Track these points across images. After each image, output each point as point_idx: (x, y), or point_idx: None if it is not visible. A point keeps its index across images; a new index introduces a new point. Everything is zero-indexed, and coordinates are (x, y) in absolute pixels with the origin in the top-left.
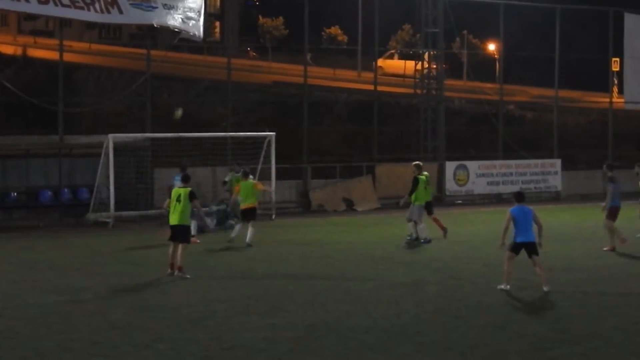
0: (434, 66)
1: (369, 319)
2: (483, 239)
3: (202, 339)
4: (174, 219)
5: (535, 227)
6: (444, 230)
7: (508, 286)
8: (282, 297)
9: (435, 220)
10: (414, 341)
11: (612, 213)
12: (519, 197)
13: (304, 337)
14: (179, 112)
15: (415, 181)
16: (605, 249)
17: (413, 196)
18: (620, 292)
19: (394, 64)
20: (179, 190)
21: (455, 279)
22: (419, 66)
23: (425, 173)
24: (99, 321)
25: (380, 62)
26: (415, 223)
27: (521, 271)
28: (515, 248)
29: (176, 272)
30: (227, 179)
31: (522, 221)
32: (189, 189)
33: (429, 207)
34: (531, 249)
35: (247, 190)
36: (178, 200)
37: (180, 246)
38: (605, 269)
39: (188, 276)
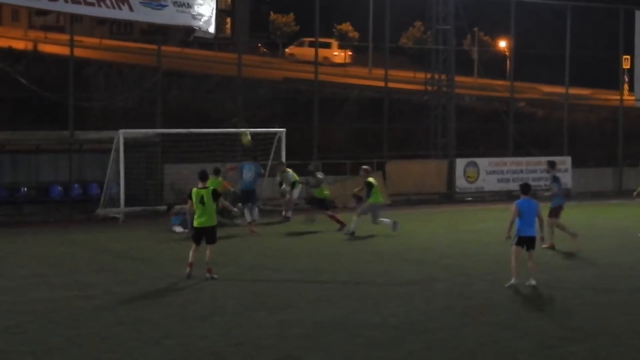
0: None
1: (378, 316)
2: (493, 236)
3: (211, 335)
4: (199, 221)
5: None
6: (342, 225)
7: (516, 281)
8: (290, 294)
9: (332, 216)
10: (422, 338)
11: (556, 211)
12: (525, 189)
13: (313, 334)
14: (247, 137)
15: (369, 185)
16: (543, 246)
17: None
18: (629, 290)
19: (303, 52)
20: (200, 191)
21: (465, 276)
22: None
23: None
24: (107, 317)
25: (291, 49)
26: (358, 214)
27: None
28: (520, 242)
29: (206, 275)
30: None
31: (528, 214)
32: (210, 188)
33: (324, 204)
34: (531, 243)
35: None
36: (201, 202)
37: (208, 247)
38: (615, 266)
39: (216, 277)
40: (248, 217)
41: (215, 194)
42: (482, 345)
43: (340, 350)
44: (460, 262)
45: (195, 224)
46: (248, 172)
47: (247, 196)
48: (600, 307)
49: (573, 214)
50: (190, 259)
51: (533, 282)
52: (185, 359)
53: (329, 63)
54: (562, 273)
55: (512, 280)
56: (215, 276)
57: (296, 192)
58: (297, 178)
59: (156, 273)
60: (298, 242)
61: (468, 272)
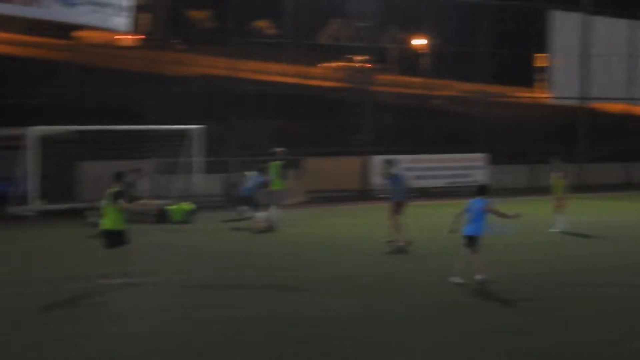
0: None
1: (309, 312)
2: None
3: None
4: (105, 224)
5: (493, 220)
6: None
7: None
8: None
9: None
10: (343, 336)
11: (396, 208)
12: (481, 190)
13: (225, 331)
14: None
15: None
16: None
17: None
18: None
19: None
20: (110, 192)
21: (386, 273)
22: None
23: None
24: (36, 316)
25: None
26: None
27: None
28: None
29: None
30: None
31: (470, 213)
32: (116, 189)
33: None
34: (469, 241)
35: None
36: (109, 204)
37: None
38: (528, 264)
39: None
40: (259, 216)
41: (117, 195)
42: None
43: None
44: (381, 258)
45: (102, 225)
46: (251, 181)
47: (247, 200)
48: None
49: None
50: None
51: (479, 277)
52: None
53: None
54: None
55: (457, 279)
56: (133, 280)
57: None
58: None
59: (67, 273)
60: (217, 240)
61: (390, 268)
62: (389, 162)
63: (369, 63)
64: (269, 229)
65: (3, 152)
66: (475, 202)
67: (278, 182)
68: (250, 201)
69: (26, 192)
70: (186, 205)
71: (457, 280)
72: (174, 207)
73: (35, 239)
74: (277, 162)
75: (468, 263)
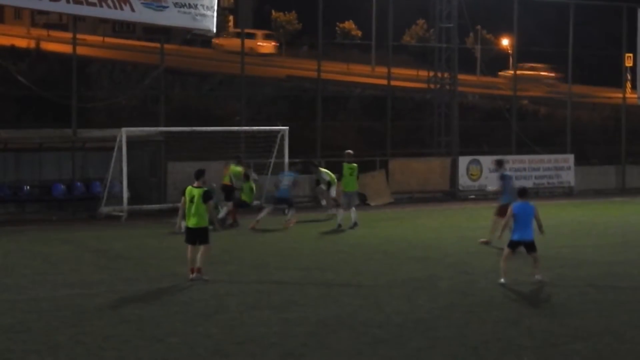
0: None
1: (382, 314)
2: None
3: (215, 333)
4: (192, 221)
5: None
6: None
7: (505, 280)
8: (294, 292)
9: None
10: (427, 336)
11: (502, 210)
12: (522, 193)
13: (316, 332)
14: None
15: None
16: (481, 240)
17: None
18: (633, 288)
19: (230, 42)
20: (192, 190)
21: (468, 274)
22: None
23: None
24: (110, 315)
25: (219, 40)
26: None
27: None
28: (512, 245)
29: (195, 275)
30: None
31: (522, 218)
32: (203, 189)
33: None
34: (527, 246)
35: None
36: (192, 201)
37: (202, 248)
38: (618, 265)
39: (206, 278)
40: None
41: (206, 196)
42: (486, 342)
43: (344, 348)
44: (464, 260)
45: (187, 224)
46: (286, 180)
47: (282, 201)
48: (603, 305)
49: (575, 212)
50: (189, 262)
51: (538, 277)
52: (189, 356)
53: (254, 53)
54: (565, 271)
55: (502, 279)
56: (206, 278)
57: (333, 190)
58: (333, 177)
59: (158, 272)
60: (301, 240)
61: (472, 270)
62: (499, 163)
63: (455, 64)
64: (338, 229)
65: (96, 153)
66: (523, 206)
67: (350, 184)
68: (286, 201)
69: (117, 192)
70: None
71: (537, 277)
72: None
73: (125, 239)
74: (349, 164)
75: (534, 263)
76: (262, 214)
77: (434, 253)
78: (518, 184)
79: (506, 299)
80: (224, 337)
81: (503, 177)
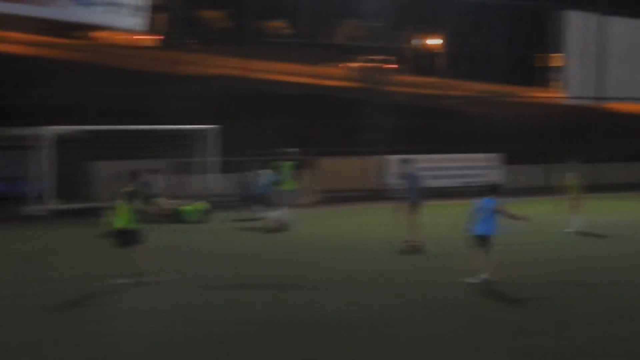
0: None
1: (324, 310)
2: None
3: (155, 333)
4: (118, 223)
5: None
6: None
7: (474, 278)
8: (240, 291)
9: None
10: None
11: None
12: (493, 189)
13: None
14: None
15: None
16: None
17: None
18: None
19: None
20: (125, 191)
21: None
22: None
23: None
24: (40, 316)
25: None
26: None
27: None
28: (475, 241)
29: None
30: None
31: (483, 213)
32: (130, 188)
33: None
34: (480, 241)
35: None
36: (124, 202)
37: (136, 249)
38: (558, 262)
39: (146, 280)
40: (273, 215)
41: (131, 195)
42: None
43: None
44: (398, 258)
45: (114, 224)
46: (264, 178)
47: (260, 199)
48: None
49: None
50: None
51: (484, 275)
52: (120, 356)
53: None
54: (513, 269)
55: (482, 276)
56: (146, 279)
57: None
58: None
59: (88, 271)
60: (250, 240)
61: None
62: (405, 162)
63: (383, 63)
64: (280, 228)
65: (16, 152)
66: (486, 202)
67: (290, 182)
68: (263, 200)
69: (40, 191)
70: (200, 205)
71: (471, 280)
72: (189, 207)
73: (48, 239)
74: (289, 163)
75: (489, 261)
76: (278, 214)
77: (359, 251)
78: (438, 183)
79: (473, 295)
80: (162, 337)
81: (408, 176)
